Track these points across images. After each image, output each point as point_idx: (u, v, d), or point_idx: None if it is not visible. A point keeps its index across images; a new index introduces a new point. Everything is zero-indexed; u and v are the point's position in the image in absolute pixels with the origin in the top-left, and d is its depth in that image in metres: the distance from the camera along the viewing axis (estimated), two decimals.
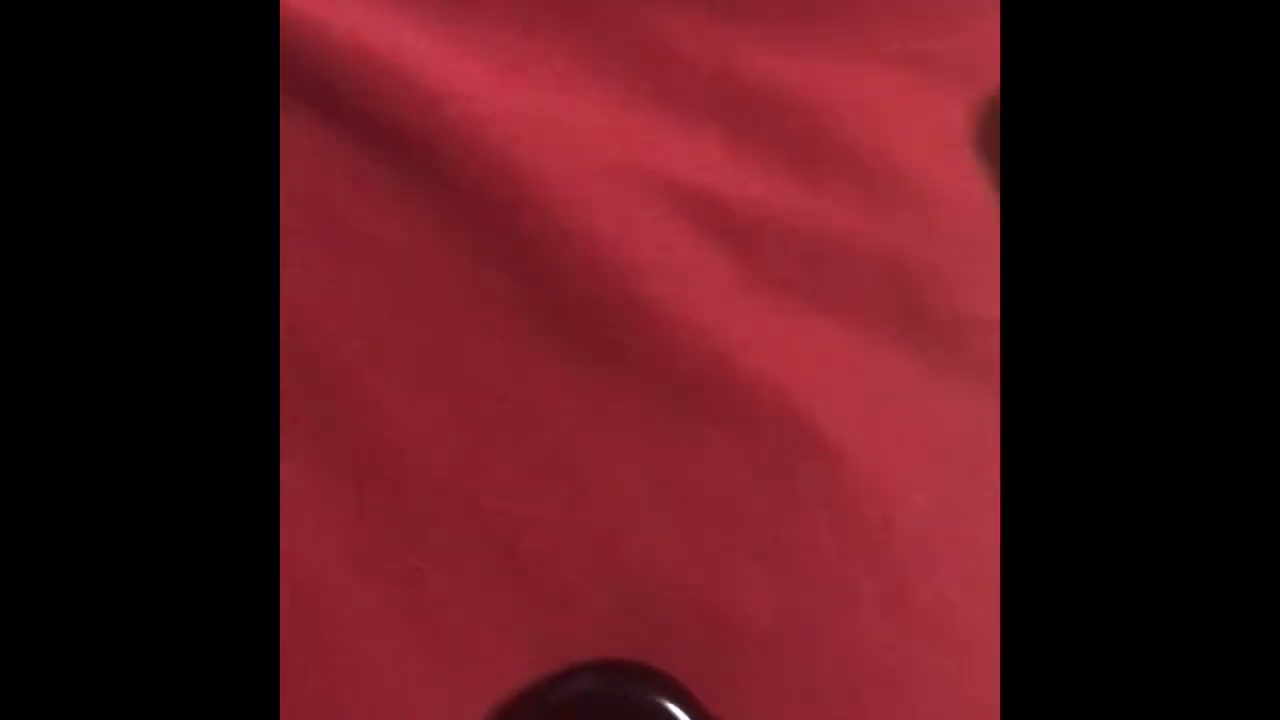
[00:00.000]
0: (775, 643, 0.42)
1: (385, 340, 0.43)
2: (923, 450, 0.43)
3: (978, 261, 0.43)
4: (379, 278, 0.43)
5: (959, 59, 0.44)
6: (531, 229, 0.43)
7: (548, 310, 0.43)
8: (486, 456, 0.43)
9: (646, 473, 0.42)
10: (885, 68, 0.44)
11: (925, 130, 0.44)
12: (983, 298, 0.43)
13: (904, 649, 0.42)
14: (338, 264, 0.43)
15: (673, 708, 0.41)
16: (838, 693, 0.42)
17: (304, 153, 0.43)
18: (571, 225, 0.42)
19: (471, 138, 0.43)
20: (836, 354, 0.43)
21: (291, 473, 0.39)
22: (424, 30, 0.43)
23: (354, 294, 0.43)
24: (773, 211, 0.43)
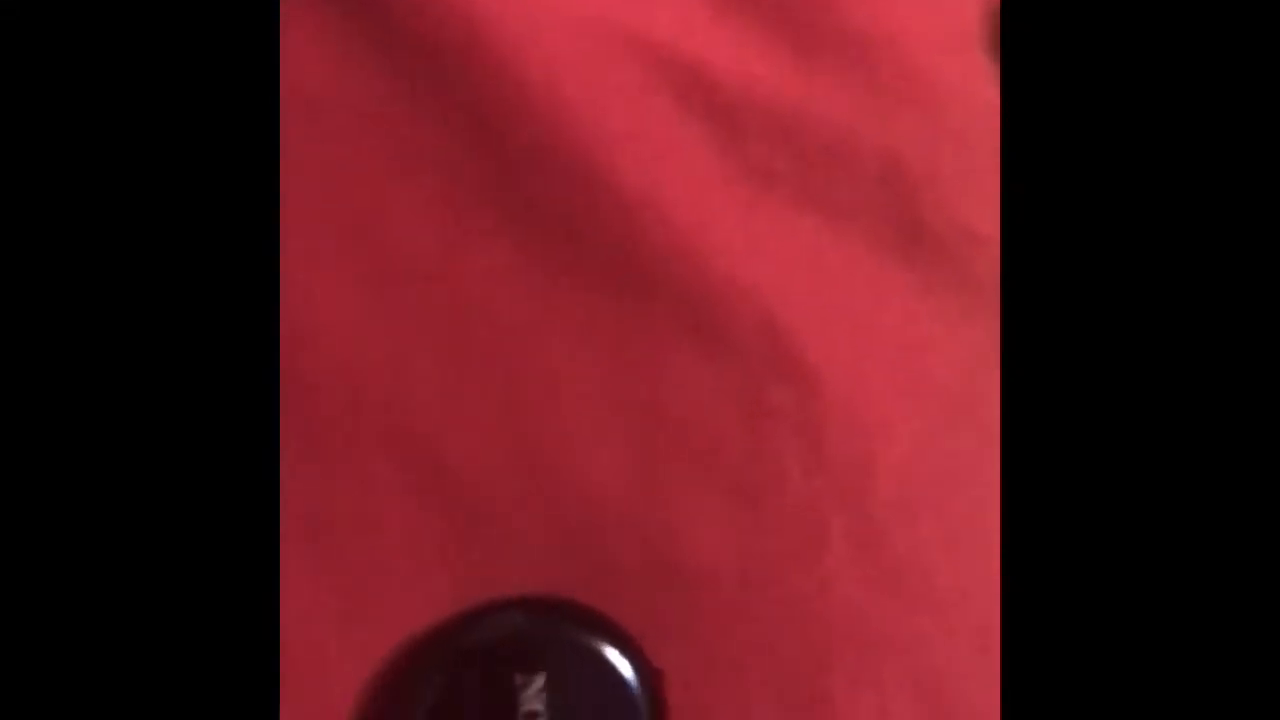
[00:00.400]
0: (731, 587, 0.37)
1: (296, 205, 0.36)
2: (912, 379, 0.37)
3: (982, 172, 0.38)
4: (299, 132, 0.36)
5: None
6: (483, 81, 0.36)
7: (492, 179, 0.36)
8: (408, 352, 0.36)
9: (595, 381, 0.36)
10: None
11: (937, 22, 0.39)
12: (986, 212, 0.38)
13: (875, 604, 0.37)
14: None
15: (611, 654, 0.35)
16: (798, 647, 0.37)
17: None
18: (530, 82, 0.36)
19: None
20: (822, 262, 0.37)
21: None
22: None
23: None
24: (762, 93, 0.37)
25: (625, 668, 0.35)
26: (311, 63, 0.36)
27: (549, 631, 0.35)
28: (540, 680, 0.34)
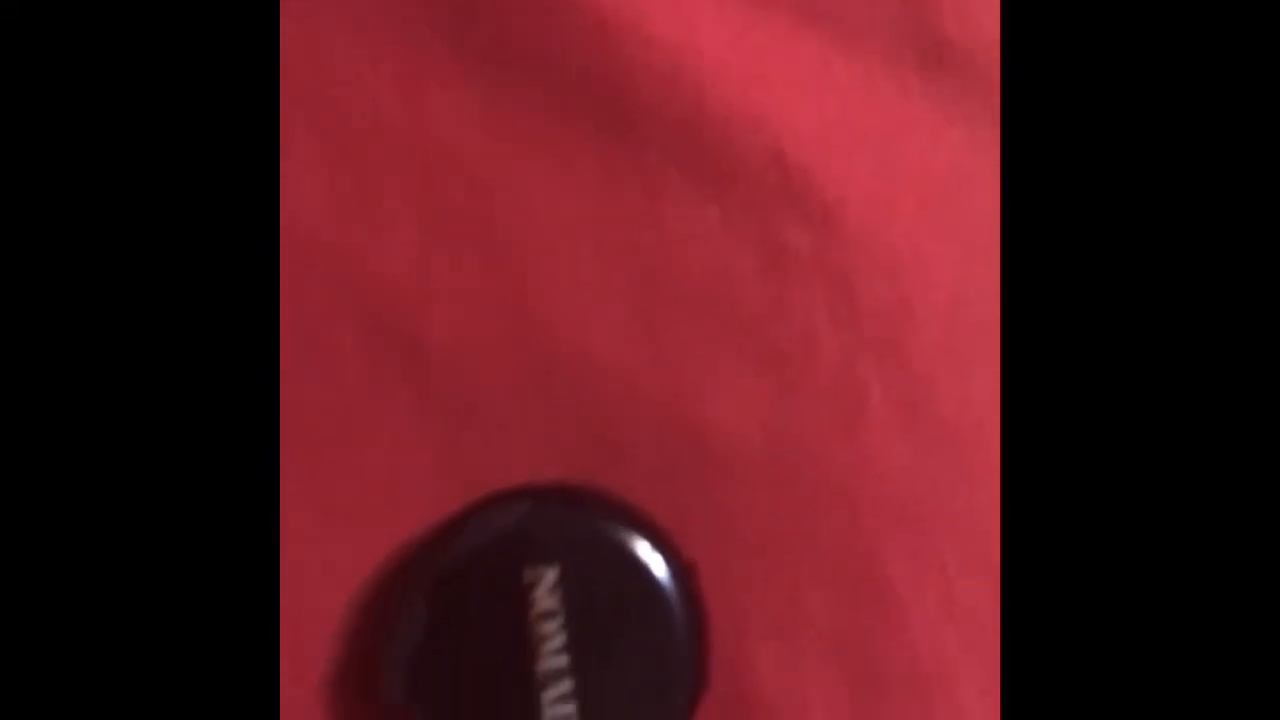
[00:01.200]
0: (762, 465, 0.31)
1: None
2: (946, 213, 0.32)
3: None
4: None
5: None
6: None
7: (446, 9, 0.31)
8: (372, 218, 0.31)
9: (586, 234, 0.31)
10: None
11: None
12: None
13: (928, 474, 0.32)
14: None
15: (634, 543, 0.30)
16: (846, 531, 0.31)
17: None
18: None
19: None
20: (833, 84, 0.32)
21: None
22: None
23: None
24: None
25: (651, 558, 0.30)
26: None
27: (559, 522, 0.29)
28: (553, 575, 0.29)
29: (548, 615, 0.29)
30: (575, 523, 0.29)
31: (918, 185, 0.33)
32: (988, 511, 0.32)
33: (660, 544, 0.30)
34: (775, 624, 0.31)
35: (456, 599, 0.29)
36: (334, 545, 0.30)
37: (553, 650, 0.28)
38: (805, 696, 0.31)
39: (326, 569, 0.30)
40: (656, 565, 0.30)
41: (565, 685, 0.28)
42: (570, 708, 0.28)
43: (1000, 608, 0.31)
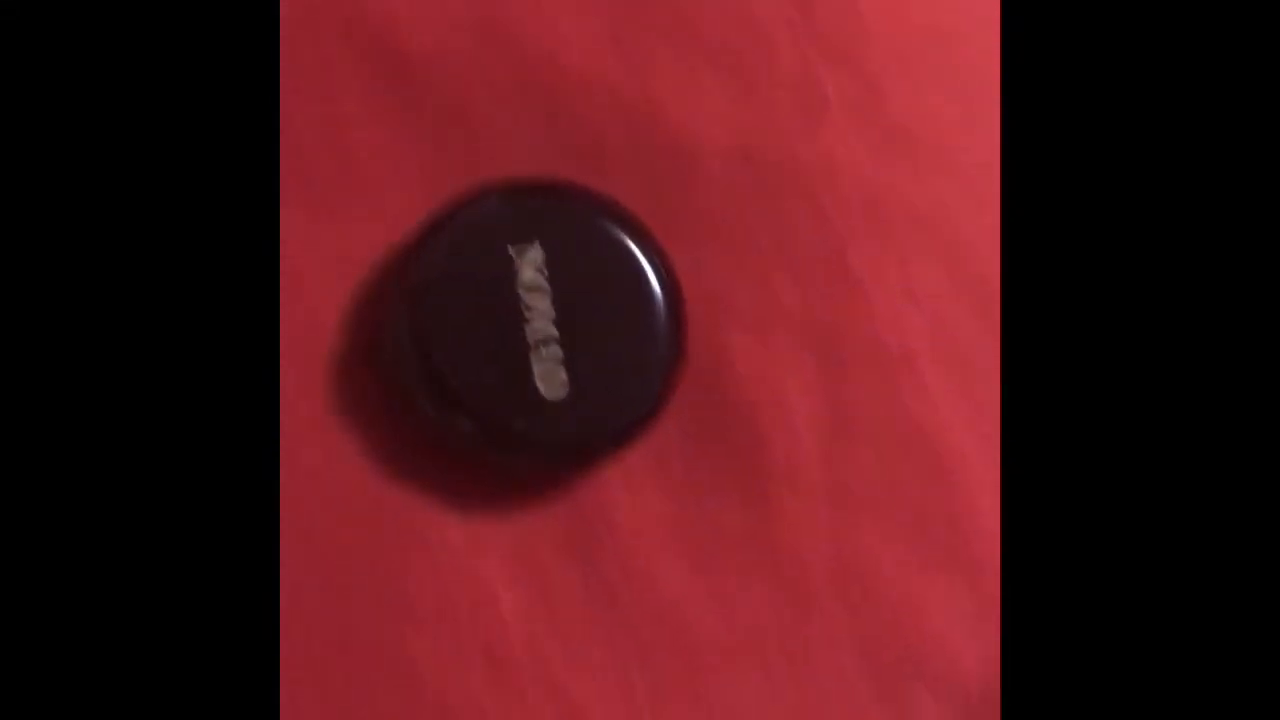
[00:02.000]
0: (730, 164, 0.33)
1: None
2: None
3: None
4: None
5: None
6: None
7: None
8: None
9: None
10: None
11: None
12: None
13: (884, 170, 0.34)
14: None
15: (613, 227, 0.32)
16: (812, 224, 0.33)
17: None
18: None
19: None
20: None
21: None
22: None
23: None
24: None
25: (630, 241, 0.32)
26: None
27: (541, 208, 0.31)
28: (537, 253, 0.31)
29: (534, 289, 0.31)
30: (556, 210, 0.31)
31: None
32: (941, 201, 0.34)
33: (637, 232, 0.32)
34: (749, 311, 0.33)
35: (449, 280, 0.31)
36: (331, 242, 0.32)
37: (541, 318, 0.30)
38: (779, 374, 0.33)
39: (325, 265, 0.32)
40: (635, 248, 0.32)
41: (554, 350, 0.30)
42: (560, 370, 0.30)
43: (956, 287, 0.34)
